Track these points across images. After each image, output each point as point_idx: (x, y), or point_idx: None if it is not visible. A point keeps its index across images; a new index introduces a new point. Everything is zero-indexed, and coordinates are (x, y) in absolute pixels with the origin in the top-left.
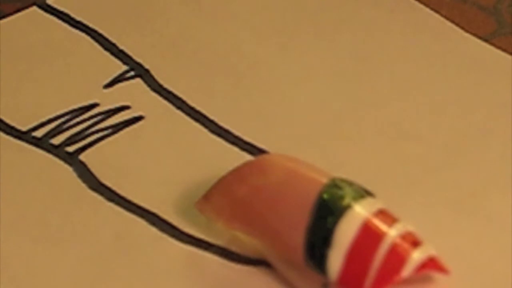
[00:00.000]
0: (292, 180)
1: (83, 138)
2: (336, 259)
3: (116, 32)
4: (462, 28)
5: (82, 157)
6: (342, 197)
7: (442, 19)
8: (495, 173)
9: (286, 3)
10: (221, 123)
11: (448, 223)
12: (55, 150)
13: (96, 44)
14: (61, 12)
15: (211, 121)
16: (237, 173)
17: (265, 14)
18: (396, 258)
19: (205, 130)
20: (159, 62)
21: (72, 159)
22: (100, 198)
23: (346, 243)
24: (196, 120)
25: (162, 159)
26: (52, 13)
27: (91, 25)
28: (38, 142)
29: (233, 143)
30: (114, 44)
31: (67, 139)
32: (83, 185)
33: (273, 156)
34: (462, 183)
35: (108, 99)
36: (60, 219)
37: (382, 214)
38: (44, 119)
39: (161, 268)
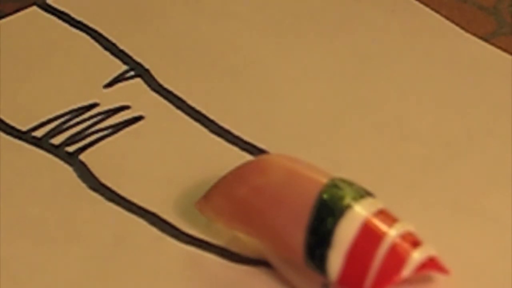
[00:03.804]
0: (292, 180)
1: (83, 138)
2: (336, 259)
3: (116, 32)
4: (462, 28)
5: (82, 157)
6: (342, 197)
7: (442, 19)
8: (495, 173)
9: (286, 3)
10: (221, 123)
11: (448, 223)
12: (55, 150)
13: (96, 44)
14: (61, 12)
15: (211, 121)
16: (237, 173)
17: (265, 14)
18: (396, 258)
19: (205, 130)
20: (159, 62)
21: (72, 159)
22: (100, 198)
23: (346, 243)
24: (196, 120)
25: (162, 159)
26: (52, 13)
27: (91, 25)
28: (38, 142)
29: (233, 143)
30: (114, 44)
31: (67, 139)
32: (83, 185)
33: (273, 156)
34: (462, 183)
35: (108, 99)
36: (60, 219)
37: (382, 214)
38: (44, 119)
39: (161, 268)
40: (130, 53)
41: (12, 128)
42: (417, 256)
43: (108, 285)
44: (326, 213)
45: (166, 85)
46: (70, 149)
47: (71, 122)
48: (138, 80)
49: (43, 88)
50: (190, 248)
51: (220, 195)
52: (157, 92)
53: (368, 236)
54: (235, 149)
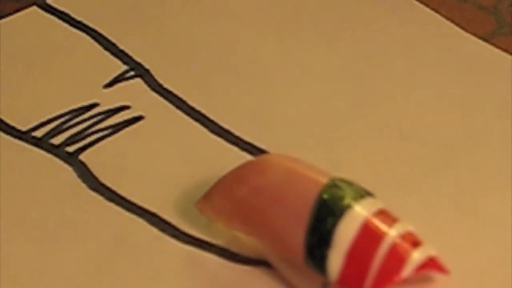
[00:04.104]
0: (292, 180)
1: (83, 138)
2: (336, 259)
3: (116, 32)
4: (462, 28)
5: (82, 157)
6: (342, 197)
7: (442, 19)
8: (495, 173)
9: (286, 3)
10: (221, 123)
11: (448, 223)
12: (55, 150)
13: (96, 44)
14: (61, 12)
15: (211, 121)
16: (237, 173)
17: (265, 14)
18: (396, 258)
19: (205, 130)
20: (159, 62)
21: (72, 159)
22: (100, 198)
23: (346, 243)
24: (196, 120)
25: (162, 159)
26: (52, 13)
27: (91, 25)
28: (38, 142)
29: (233, 143)
30: (114, 44)
31: (67, 139)
32: (83, 185)
33: (273, 156)
34: (462, 183)
35: (108, 99)
36: (60, 219)
37: (382, 214)
38: (44, 119)
39: (161, 268)
40: (130, 53)
41: (12, 128)
42: (417, 256)
43: (108, 285)
44: (326, 213)
45: (166, 85)
46: (70, 149)
47: (71, 122)
48: (138, 80)
49: (43, 88)
50: (190, 248)
51: (220, 195)
52: (157, 92)
53: (368, 236)
54: (235, 149)
